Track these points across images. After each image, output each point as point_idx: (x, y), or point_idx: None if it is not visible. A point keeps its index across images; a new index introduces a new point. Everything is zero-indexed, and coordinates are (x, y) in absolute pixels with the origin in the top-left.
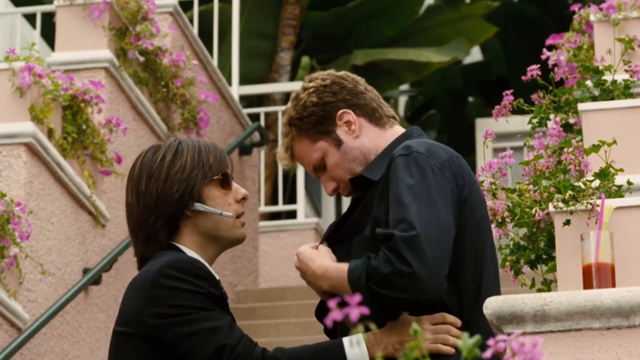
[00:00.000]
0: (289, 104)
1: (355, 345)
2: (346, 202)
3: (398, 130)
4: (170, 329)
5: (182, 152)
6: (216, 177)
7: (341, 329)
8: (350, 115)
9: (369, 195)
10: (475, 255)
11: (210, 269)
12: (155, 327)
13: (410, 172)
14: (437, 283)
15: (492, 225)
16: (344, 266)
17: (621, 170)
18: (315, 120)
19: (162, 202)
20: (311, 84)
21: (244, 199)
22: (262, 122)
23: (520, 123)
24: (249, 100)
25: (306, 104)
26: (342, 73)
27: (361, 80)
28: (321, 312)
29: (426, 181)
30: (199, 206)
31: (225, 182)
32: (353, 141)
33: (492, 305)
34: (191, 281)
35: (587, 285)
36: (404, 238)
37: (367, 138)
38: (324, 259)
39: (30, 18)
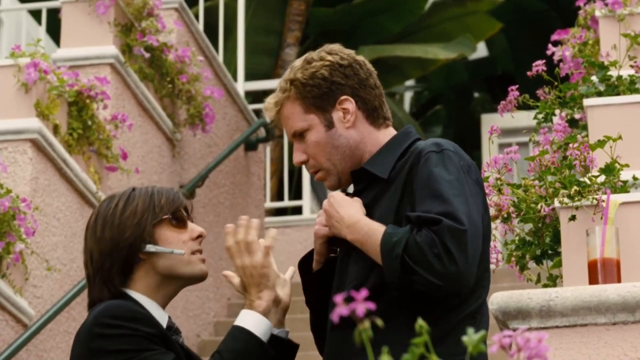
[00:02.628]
0: (299, 63)
1: (247, 318)
2: None
3: (391, 131)
4: None
5: (134, 198)
6: (166, 216)
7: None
8: (351, 104)
9: (378, 191)
10: (483, 261)
11: (159, 310)
12: None
13: (446, 168)
14: (469, 279)
15: (498, 221)
16: (378, 226)
17: (626, 165)
18: (317, 93)
19: (116, 248)
20: (329, 58)
21: (200, 236)
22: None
23: (526, 118)
24: (254, 96)
25: (315, 75)
26: (360, 59)
27: (374, 74)
28: (306, 262)
29: (460, 179)
30: (150, 247)
31: (177, 221)
32: (344, 129)
33: (497, 300)
34: (126, 325)
35: (593, 280)
36: (452, 229)
37: (357, 132)
38: (357, 210)
39: (36, 14)
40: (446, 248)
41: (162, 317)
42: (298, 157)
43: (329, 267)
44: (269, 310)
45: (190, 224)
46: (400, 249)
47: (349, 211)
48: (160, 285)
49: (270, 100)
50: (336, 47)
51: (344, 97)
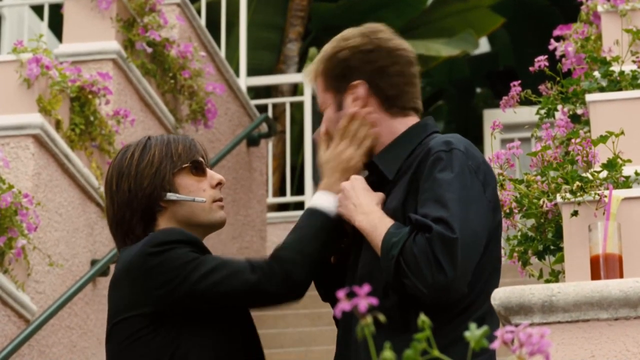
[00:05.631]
0: (337, 36)
1: (320, 198)
2: None
3: (410, 120)
4: (186, 283)
5: (150, 147)
6: (186, 165)
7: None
8: (362, 90)
9: (387, 190)
10: (491, 262)
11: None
12: (166, 295)
13: (452, 169)
14: (457, 290)
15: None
16: (388, 222)
17: (629, 161)
18: (333, 73)
19: (135, 198)
20: (355, 40)
21: (219, 184)
22: (270, 113)
23: (528, 114)
24: (256, 92)
25: (336, 55)
26: (393, 45)
27: (402, 61)
28: None
29: (465, 182)
30: (170, 195)
31: (196, 169)
32: None
33: (499, 296)
34: (177, 244)
35: (595, 276)
36: (443, 237)
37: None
38: (376, 202)
39: (38, 9)
40: (436, 258)
41: None
42: (322, 127)
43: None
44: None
45: (209, 172)
46: (397, 251)
47: (368, 200)
48: None
49: (310, 66)
50: (374, 27)
51: (357, 82)
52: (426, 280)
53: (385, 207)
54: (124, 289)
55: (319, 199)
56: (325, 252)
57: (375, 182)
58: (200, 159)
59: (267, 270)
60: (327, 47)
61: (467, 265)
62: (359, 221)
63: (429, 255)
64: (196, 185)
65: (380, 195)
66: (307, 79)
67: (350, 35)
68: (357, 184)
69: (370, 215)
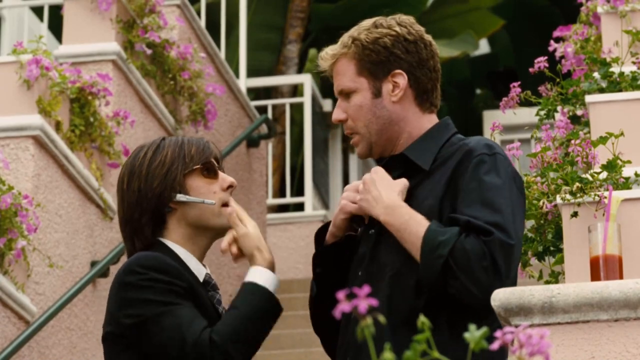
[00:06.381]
0: (368, 24)
1: (257, 273)
2: None
3: (434, 118)
4: (141, 328)
5: (163, 147)
6: (197, 166)
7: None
8: (403, 79)
9: (417, 181)
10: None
11: (198, 263)
12: (130, 327)
13: (498, 174)
14: None
15: None
16: (421, 219)
17: (629, 162)
18: (374, 59)
19: (144, 197)
20: (396, 29)
21: (230, 186)
22: (270, 114)
23: (528, 115)
24: (256, 93)
25: (378, 41)
26: (428, 39)
27: (437, 57)
28: (321, 233)
29: (511, 187)
30: (180, 197)
31: (207, 171)
32: (390, 103)
33: (499, 297)
34: (154, 276)
35: (595, 277)
36: (502, 243)
37: (402, 109)
38: (398, 194)
39: (38, 11)
40: (495, 262)
41: (199, 270)
42: (338, 114)
43: (344, 243)
44: (274, 265)
45: (220, 174)
46: (446, 251)
47: (389, 192)
48: (193, 236)
49: (328, 50)
50: (409, 20)
51: (398, 71)
52: (481, 283)
53: (419, 202)
54: (109, 301)
55: (258, 276)
56: (266, 332)
57: (400, 176)
58: (213, 160)
59: (206, 351)
60: (360, 33)
61: (515, 272)
62: (383, 215)
63: (487, 258)
64: (207, 187)
65: (402, 182)
66: (326, 62)
67: (387, 23)
68: (377, 176)
69: (397, 210)
